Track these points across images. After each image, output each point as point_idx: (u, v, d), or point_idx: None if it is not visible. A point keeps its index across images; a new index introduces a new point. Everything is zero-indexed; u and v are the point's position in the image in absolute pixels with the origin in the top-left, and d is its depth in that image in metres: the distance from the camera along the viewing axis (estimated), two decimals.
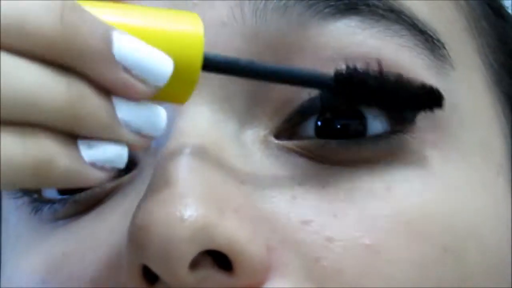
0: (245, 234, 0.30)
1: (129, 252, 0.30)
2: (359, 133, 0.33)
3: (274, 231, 0.31)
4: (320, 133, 0.34)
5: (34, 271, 0.35)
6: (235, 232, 0.30)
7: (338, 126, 0.33)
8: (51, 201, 0.35)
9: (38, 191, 0.36)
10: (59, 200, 0.35)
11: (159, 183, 0.30)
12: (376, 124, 0.33)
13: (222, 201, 0.31)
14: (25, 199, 0.36)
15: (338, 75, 0.32)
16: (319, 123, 0.34)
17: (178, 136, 0.32)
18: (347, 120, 0.33)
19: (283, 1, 0.33)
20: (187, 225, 0.29)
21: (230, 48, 0.33)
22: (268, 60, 0.33)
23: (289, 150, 0.33)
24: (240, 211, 0.31)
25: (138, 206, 0.30)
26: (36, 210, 0.36)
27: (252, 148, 0.33)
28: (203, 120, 0.33)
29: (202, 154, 0.32)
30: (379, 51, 0.33)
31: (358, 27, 0.34)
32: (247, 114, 0.34)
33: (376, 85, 0.33)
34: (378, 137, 0.33)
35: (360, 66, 0.33)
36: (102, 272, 0.32)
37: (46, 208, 0.36)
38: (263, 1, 0.33)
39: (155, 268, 0.30)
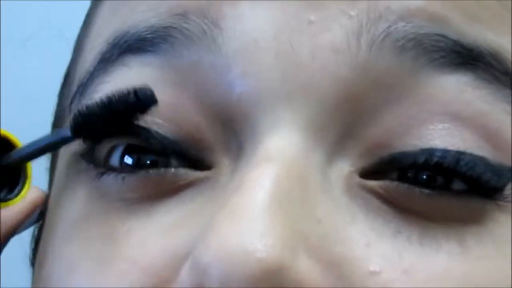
0: (314, 280, 0.30)
1: (194, 271, 0.30)
2: (442, 187, 0.32)
3: (341, 277, 0.31)
4: (402, 178, 0.32)
5: (91, 245, 0.34)
6: (305, 276, 0.30)
7: (424, 177, 0.32)
8: (116, 170, 0.34)
9: (106, 158, 0.35)
10: (131, 169, 0.34)
11: (238, 211, 0.30)
12: (460, 186, 0.32)
13: (298, 240, 0.30)
14: (91, 165, 0.35)
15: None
16: (405, 173, 0.32)
17: (264, 157, 0.31)
18: (433, 175, 0.32)
19: (402, 42, 0.32)
20: (261, 265, 0.29)
21: (337, 76, 0.32)
22: (371, 97, 0.32)
23: (369, 190, 0.32)
24: (313, 253, 0.30)
25: (214, 229, 0.30)
26: (101, 175, 0.35)
27: (335, 183, 0.32)
28: (293, 146, 0.32)
29: (287, 184, 0.31)
30: (486, 117, 0.32)
31: (469, 84, 0.32)
32: (337, 146, 0.32)
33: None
34: (461, 194, 0.32)
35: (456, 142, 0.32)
36: (164, 268, 0.32)
37: (111, 177, 0.34)
38: (382, 36, 0.32)
39: None
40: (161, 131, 0.34)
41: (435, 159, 0.32)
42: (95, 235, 0.34)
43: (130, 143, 0.34)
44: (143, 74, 0.34)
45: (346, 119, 0.32)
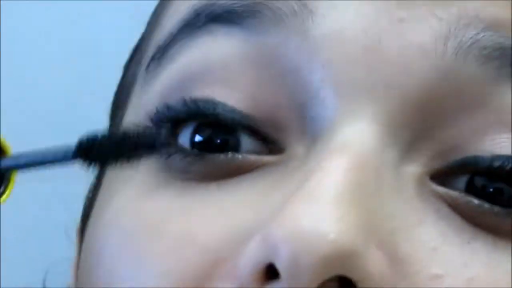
0: (381, 273, 0.30)
1: (264, 246, 0.30)
2: (508, 203, 0.32)
3: (405, 275, 0.31)
4: (470, 188, 0.32)
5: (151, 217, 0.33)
6: (374, 268, 0.30)
7: (491, 190, 0.32)
8: (184, 152, 0.34)
9: (174, 137, 0.34)
10: (197, 154, 0.34)
11: (315, 194, 0.30)
12: None
13: (371, 232, 0.30)
14: (159, 142, 0.35)
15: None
16: (473, 181, 0.32)
17: (341, 146, 0.31)
18: (501, 186, 0.32)
19: (488, 50, 0.32)
20: (334, 247, 0.29)
21: (421, 76, 0.32)
22: (451, 101, 0.32)
23: (439, 197, 0.32)
24: (383, 248, 0.30)
25: (288, 209, 0.30)
26: (168, 156, 0.34)
27: (407, 183, 0.32)
28: (372, 139, 0.32)
29: (362, 175, 0.31)
30: None
31: None
32: (411, 146, 0.32)
33: None
34: None
35: None
36: (223, 247, 0.31)
37: (178, 158, 0.34)
38: (469, 43, 0.32)
39: (284, 273, 0.29)
40: (237, 106, 0.34)
41: (510, 165, 0.32)
42: (151, 209, 0.34)
43: (201, 121, 0.34)
44: (228, 45, 0.34)
45: (423, 119, 0.33)
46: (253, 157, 0.33)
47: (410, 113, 0.32)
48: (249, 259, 0.30)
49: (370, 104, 0.32)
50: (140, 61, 0.39)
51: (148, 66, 0.37)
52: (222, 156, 0.33)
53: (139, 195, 0.35)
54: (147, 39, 0.40)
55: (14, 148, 0.63)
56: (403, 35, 0.32)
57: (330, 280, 0.29)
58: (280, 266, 0.29)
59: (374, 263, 0.30)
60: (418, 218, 0.32)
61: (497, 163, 0.32)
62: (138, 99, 0.37)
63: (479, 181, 0.32)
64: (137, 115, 0.37)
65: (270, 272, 0.30)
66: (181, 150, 0.34)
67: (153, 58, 0.36)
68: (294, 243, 0.29)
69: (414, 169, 0.32)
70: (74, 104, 0.62)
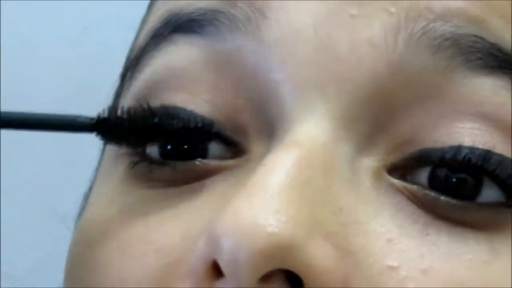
0: (326, 264, 0.30)
1: (208, 243, 0.30)
2: (471, 195, 0.32)
3: (357, 267, 0.31)
4: (432, 181, 0.32)
5: (111, 219, 0.35)
6: (317, 260, 0.30)
7: (454, 180, 0.32)
8: (151, 161, 0.35)
9: (143, 147, 0.35)
10: (159, 162, 0.35)
11: (256, 189, 0.30)
12: (491, 191, 0.32)
13: (314, 225, 0.30)
14: (129, 150, 0.36)
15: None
16: (435, 173, 0.32)
17: (291, 141, 0.32)
18: (463, 176, 0.32)
19: (438, 40, 0.32)
20: (272, 240, 0.29)
21: (372, 70, 0.32)
22: (404, 93, 0.33)
23: (397, 190, 0.32)
24: (329, 239, 0.30)
25: (230, 205, 0.30)
26: (134, 164, 0.35)
27: (363, 177, 0.32)
28: (322, 134, 0.32)
29: (310, 169, 0.31)
30: None
31: (504, 88, 0.33)
32: (367, 140, 0.33)
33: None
34: (491, 205, 0.32)
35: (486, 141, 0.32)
36: (178, 247, 0.32)
37: (143, 165, 0.35)
38: (419, 34, 0.32)
39: (225, 269, 0.30)
40: (198, 111, 0.34)
41: (463, 154, 0.32)
42: (114, 217, 0.35)
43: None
44: (188, 53, 0.35)
45: (377, 113, 0.33)
46: (215, 162, 0.34)
47: (363, 107, 0.33)
48: (197, 257, 0.31)
49: (323, 100, 0.32)
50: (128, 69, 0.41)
51: (123, 75, 0.39)
52: (185, 163, 0.34)
53: (107, 202, 0.36)
54: (132, 47, 0.41)
55: (14, 147, 0.63)
56: (354, 32, 0.33)
57: (275, 279, 0.30)
58: (221, 263, 0.30)
59: (317, 255, 0.30)
60: (373, 210, 0.32)
61: (450, 153, 0.32)
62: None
63: (441, 173, 0.32)
64: None
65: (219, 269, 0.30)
66: (146, 158, 0.35)
67: (127, 69, 0.38)
68: (233, 237, 0.29)
69: (370, 163, 0.33)
70: (74, 104, 0.62)
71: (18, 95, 0.66)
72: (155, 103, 0.35)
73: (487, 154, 0.32)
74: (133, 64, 0.38)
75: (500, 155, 0.32)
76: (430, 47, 0.32)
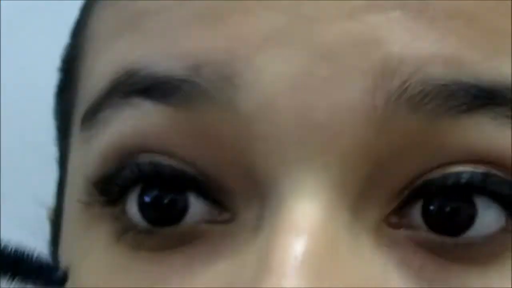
0: None
1: None
2: (468, 225, 0.32)
3: None
4: (426, 216, 0.32)
5: None
6: None
7: (448, 210, 0.32)
8: (135, 228, 0.34)
9: (123, 211, 0.34)
10: (145, 231, 0.34)
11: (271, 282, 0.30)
12: (489, 216, 0.32)
13: None
14: (108, 215, 0.35)
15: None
16: (427, 207, 0.32)
17: (290, 226, 0.31)
18: (457, 205, 0.32)
19: (418, 97, 0.32)
20: None
21: (354, 134, 0.32)
22: (390, 148, 0.32)
23: (400, 241, 0.32)
24: None
25: None
26: (119, 235, 0.34)
27: (364, 239, 0.32)
28: (319, 212, 0.31)
29: (316, 257, 0.31)
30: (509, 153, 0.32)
31: (489, 123, 0.32)
32: (360, 199, 0.32)
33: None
34: (491, 236, 0.32)
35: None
36: None
37: (129, 236, 0.34)
38: (397, 93, 0.32)
39: None
40: (179, 167, 0.33)
41: (463, 180, 0.32)
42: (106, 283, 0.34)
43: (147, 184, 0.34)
44: (158, 119, 0.33)
45: (367, 173, 0.32)
46: (201, 226, 0.33)
47: (351, 171, 0.32)
48: None
49: (311, 173, 0.31)
50: (73, 94, 0.39)
51: (81, 123, 0.36)
52: (171, 229, 0.33)
53: (93, 271, 0.35)
54: (75, 67, 0.39)
55: (14, 148, 0.63)
56: (329, 95, 0.31)
57: None
58: None
59: None
60: (379, 270, 0.32)
61: (451, 180, 0.32)
62: (75, 157, 0.37)
63: (435, 203, 0.32)
64: (74, 176, 0.37)
65: None
66: (130, 226, 0.34)
67: (84, 118, 0.36)
68: None
69: (368, 221, 0.32)
70: None
71: (19, 95, 0.66)
72: (135, 160, 0.34)
73: (485, 176, 0.32)
74: (89, 115, 0.35)
75: (499, 176, 0.32)
76: (411, 106, 0.32)
